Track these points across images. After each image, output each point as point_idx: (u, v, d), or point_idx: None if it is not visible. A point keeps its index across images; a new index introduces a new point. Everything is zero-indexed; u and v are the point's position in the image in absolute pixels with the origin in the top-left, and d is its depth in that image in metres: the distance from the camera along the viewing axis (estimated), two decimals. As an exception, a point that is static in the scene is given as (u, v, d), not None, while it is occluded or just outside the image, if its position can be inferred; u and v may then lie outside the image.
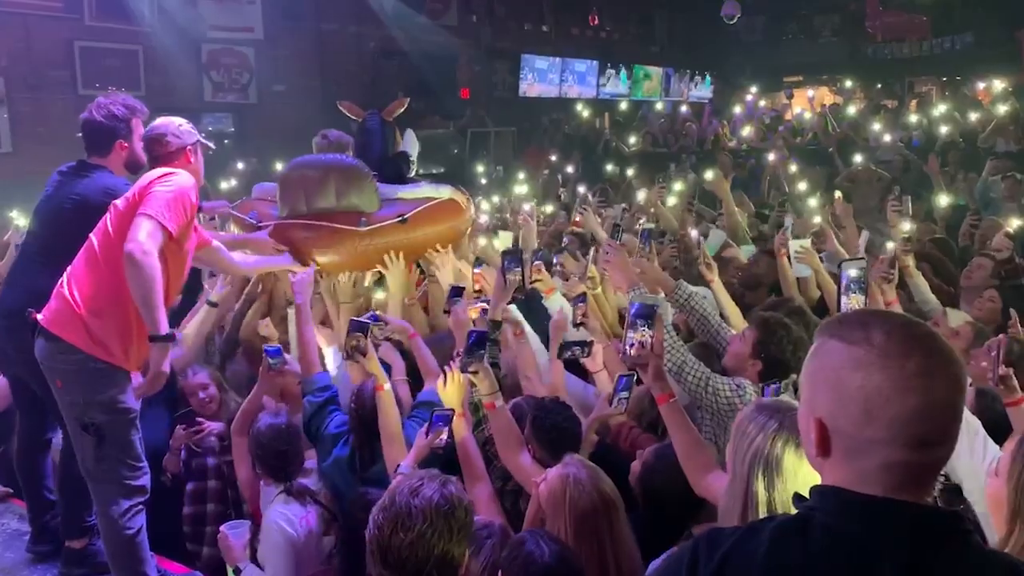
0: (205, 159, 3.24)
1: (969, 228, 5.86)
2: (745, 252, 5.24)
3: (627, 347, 2.41)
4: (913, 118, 11.27)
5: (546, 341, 3.57)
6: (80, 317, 2.74)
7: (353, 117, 4.62)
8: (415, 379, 3.40)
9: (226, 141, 10.39)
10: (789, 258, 4.25)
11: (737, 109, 14.02)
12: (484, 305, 3.56)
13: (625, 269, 3.28)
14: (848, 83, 16.19)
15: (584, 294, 3.62)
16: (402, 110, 4.53)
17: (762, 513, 1.79)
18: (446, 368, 2.88)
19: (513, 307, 3.54)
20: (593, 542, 2.18)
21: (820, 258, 4.40)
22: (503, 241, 4.99)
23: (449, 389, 2.84)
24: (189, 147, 3.11)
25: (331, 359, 3.70)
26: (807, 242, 4.36)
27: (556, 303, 3.80)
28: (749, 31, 17.98)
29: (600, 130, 14.21)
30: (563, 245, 5.07)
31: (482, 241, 4.88)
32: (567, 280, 4.18)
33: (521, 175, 9.18)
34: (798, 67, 18.17)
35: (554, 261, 4.39)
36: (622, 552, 2.21)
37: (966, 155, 8.80)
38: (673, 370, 2.82)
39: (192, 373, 3.75)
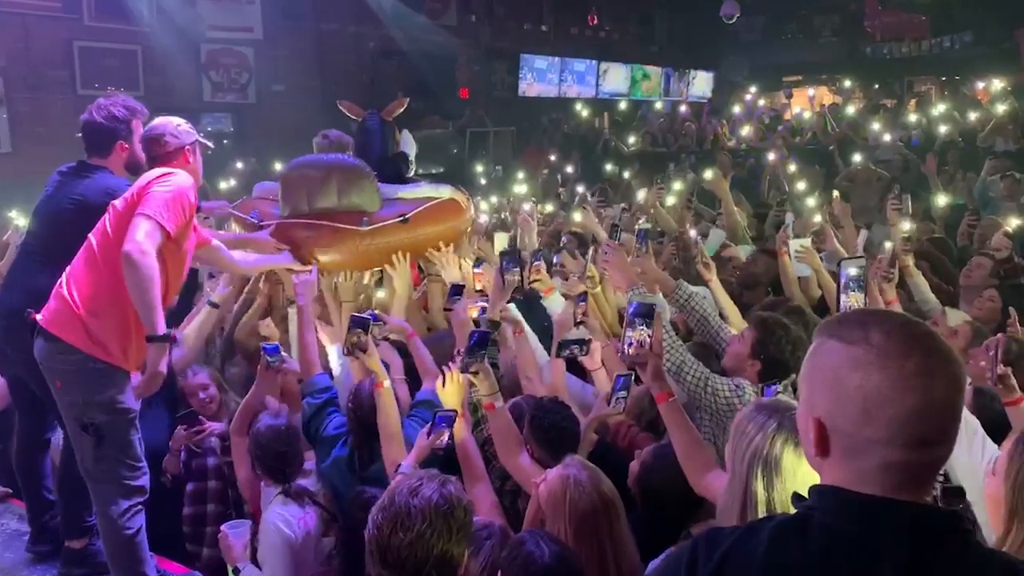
0: (204, 159, 3.24)
1: (968, 227, 5.87)
2: (745, 252, 5.23)
3: (626, 346, 2.41)
4: (912, 117, 11.26)
5: (544, 340, 3.57)
6: (79, 317, 2.74)
7: (353, 117, 4.62)
8: (413, 378, 3.40)
9: (225, 141, 10.37)
10: (790, 256, 4.25)
11: (736, 109, 14.02)
12: (484, 304, 3.57)
13: (624, 269, 3.28)
14: (847, 83, 16.19)
15: (585, 293, 3.61)
16: (401, 110, 4.54)
17: (761, 513, 1.79)
18: (445, 368, 2.88)
19: (512, 306, 3.54)
20: (593, 543, 2.17)
21: (820, 258, 4.41)
22: (500, 243, 4.99)
23: (448, 389, 2.84)
24: (187, 147, 3.11)
25: (335, 358, 3.70)
26: (807, 241, 4.37)
27: (555, 302, 3.80)
28: (748, 31, 17.99)
29: (599, 130, 14.21)
30: (561, 245, 5.07)
31: (491, 242, 4.86)
32: (567, 279, 4.18)
33: (520, 175, 9.17)
34: (797, 67, 18.19)
35: (554, 261, 4.39)
36: (622, 553, 2.21)
37: (965, 154, 8.81)
38: (672, 370, 2.82)
39: (192, 373, 3.75)
